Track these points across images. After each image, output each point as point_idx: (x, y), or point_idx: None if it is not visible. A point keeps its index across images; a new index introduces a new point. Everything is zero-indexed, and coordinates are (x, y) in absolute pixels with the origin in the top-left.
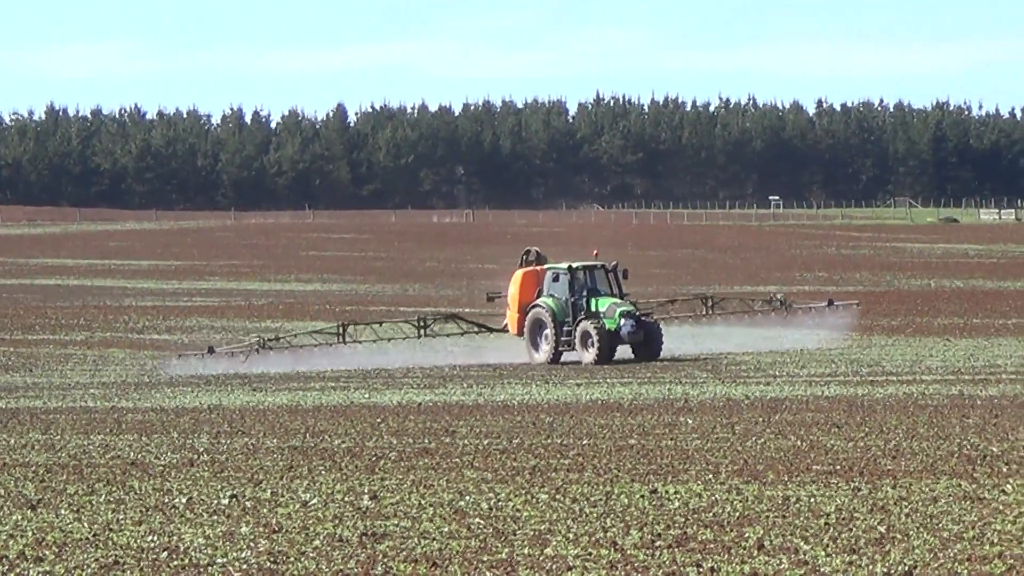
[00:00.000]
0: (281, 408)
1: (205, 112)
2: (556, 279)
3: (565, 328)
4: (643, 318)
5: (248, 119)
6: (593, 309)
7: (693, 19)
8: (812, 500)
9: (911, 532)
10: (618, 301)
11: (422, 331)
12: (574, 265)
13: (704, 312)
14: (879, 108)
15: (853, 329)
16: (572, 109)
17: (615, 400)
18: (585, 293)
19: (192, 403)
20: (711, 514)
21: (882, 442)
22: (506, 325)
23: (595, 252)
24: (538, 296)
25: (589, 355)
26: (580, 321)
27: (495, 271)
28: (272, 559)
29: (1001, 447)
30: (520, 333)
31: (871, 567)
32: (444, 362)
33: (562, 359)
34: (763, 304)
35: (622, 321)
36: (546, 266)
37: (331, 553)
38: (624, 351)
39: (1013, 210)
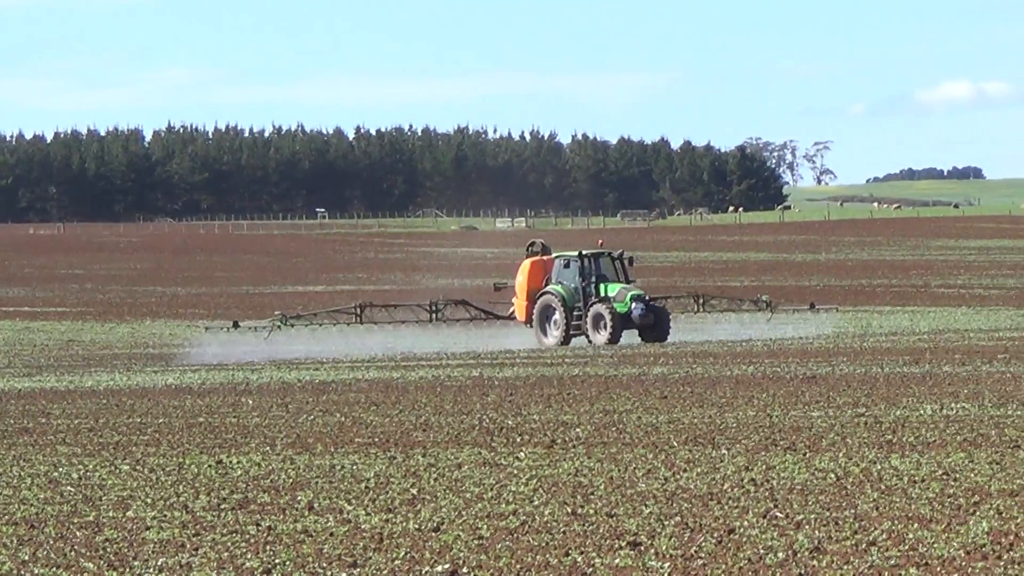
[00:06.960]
0: None
1: None
2: (567, 266)
3: (575, 313)
4: (652, 303)
5: None
6: (603, 294)
7: (251, 57)
8: (354, 467)
9: (439, 493)
10: (628, 286)
11: (434, 315)
12: (584, 252)
13: (695, 309)
14: (409, 133)
15: (835, 327)
16: (148, 136)
17: (186, 384)
18: (594, 279)
19: None
20: (268, 480)
21: (414, 417)
22: (513, 312)
23: (600, 241)
24: (546, 284)
25: (601, 337)
26: (592, 305)
27: (82, 276)
28: None
29: (516, 421)
30: (528, 320)
31: (405, 524)
32: (454, 346)
33: (571, 343)
34: (750, 304)
35: (633, 305)
36: (555, 254)
37: None
38: (630, 336)
39: (524, 218)
